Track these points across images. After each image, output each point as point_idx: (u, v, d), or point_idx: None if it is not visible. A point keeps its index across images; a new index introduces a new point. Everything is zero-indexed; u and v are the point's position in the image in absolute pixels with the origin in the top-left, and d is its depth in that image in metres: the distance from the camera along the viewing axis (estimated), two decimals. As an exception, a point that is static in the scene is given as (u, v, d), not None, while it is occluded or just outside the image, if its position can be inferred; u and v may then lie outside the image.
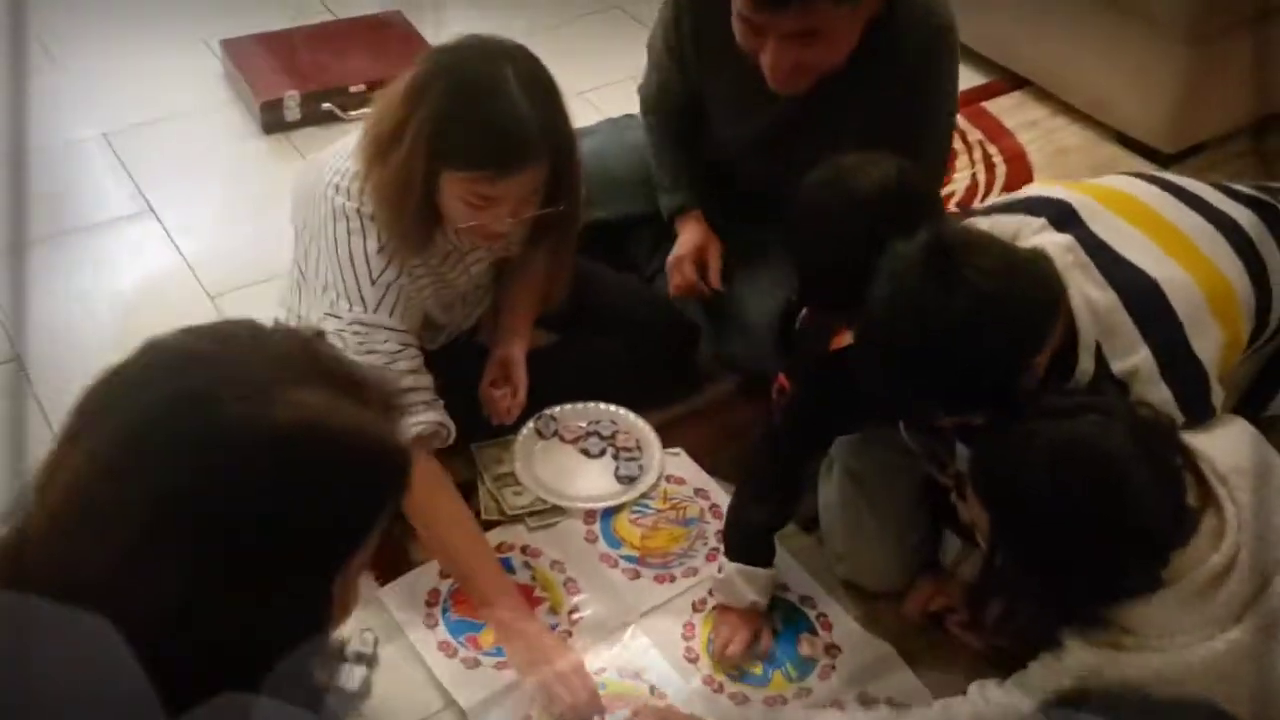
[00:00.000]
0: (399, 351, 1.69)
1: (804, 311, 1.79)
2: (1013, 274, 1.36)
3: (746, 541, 1.73)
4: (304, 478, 0.86)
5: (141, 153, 2.64)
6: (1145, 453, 1.31)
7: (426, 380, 1.73)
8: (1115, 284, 1.44)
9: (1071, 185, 1.60)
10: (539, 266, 1.97)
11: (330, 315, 1.69)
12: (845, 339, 1.70)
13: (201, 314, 2.23)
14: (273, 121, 2.71)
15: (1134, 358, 1.43)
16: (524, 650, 1.66)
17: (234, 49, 2.88)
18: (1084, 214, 1.51)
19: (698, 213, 2.09)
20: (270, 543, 0.85)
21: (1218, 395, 1.46)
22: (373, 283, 1.67)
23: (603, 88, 2.78)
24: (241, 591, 0.83)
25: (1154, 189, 1.60)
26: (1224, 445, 1.40)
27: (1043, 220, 1.51)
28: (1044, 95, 2.96)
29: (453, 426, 1.74)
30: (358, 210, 1.66)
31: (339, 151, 1.71)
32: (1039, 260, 1.41)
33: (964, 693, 1.49)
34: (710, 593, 1.79)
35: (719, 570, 1.73)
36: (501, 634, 1.69)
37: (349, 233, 1.66)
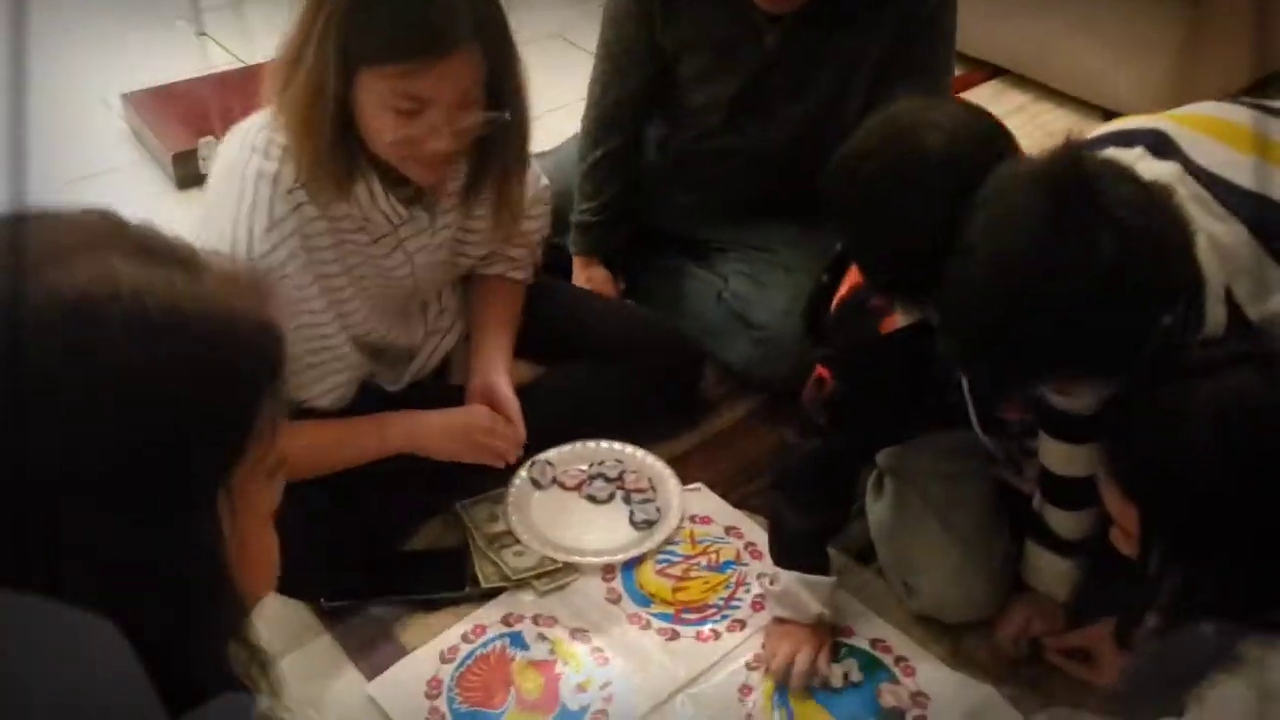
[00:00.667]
0: None
1: (839, 294, 1.51)
2: (1155, 206, 1.10)
3: (798, 548, 1.49)
4: (122, 355, 0.64)
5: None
6: None
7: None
8: (1241, 215, 1.20)
9: (1155, 115, 1.37)
10: (509, 284, 1.72)
11: None
12: (897, 320, 1.43)
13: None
14: (188, 175, 2.42)
15: (1278, 297, 1.19)
16: (447, 438, 1.56)
17: (137, 103, 2.59)
18: (1182, 141, 1.28)
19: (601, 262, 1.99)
20: (93, 440, 0.64)
21: None
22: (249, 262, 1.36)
23: (555, 111, 2.57)
24: (83, 503, 0.64)
25: (1241, 110, 1.37)
26: None
27: (1139, 149, 1.26)
28: (1022, 81, 2.78)
29: None
30: (258, 173, 1.37)
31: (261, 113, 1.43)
32: (1165, 191, 1.15)
33: None
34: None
35: (772, 582, 1.51)
36: (416, 442, 1.55)
37: (240, 198, 1.37)
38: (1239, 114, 1.36)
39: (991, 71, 2.83)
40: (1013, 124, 2.63)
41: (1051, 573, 1.51)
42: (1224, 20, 2.49)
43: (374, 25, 1.27)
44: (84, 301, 0.63)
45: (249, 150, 1.38)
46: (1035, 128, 2.65)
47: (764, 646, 1.51)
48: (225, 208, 1.38)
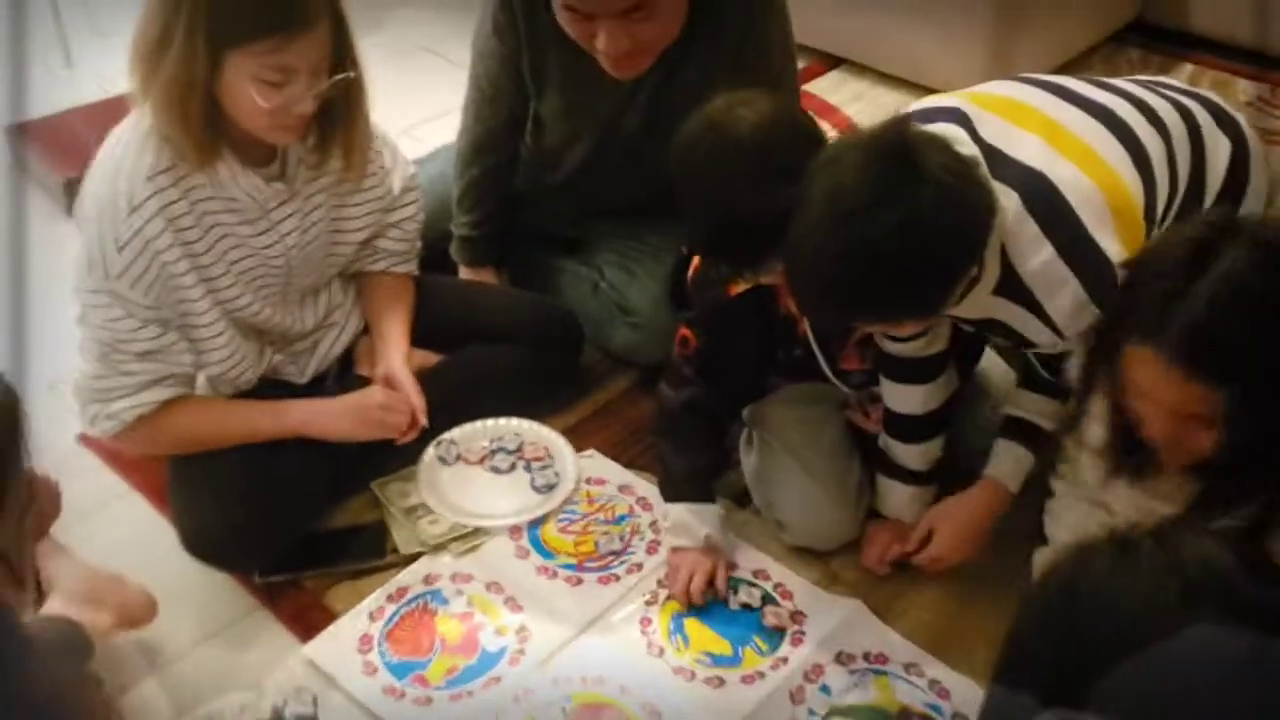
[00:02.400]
0: (137, 330, 1.56)
1: (694, 265, 1.71)
2: (967, 173, 1.31)
3: (683, 484, 1.70)
4: None
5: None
6: None
7: (154, 365, 1.59)
8: (1013, 184, 1.40)
9: (957, 93, 1.58)
10: (395, 278, 1.89)
11: (78, 288, 1.56)
12: (740, 285, 1.63)
13: (42, 407, 2.01)
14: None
15: (1039, 258, 1.40)
16: (342, 418, 1.70)
17: (20, 135, 2.67)
18: (975, 121, 1.48)
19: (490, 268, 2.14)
20: None
21: None
22: (120, 249, 1.52)
23: (425, 123, 2.72)
24: None
25: (1035, 90, 1.57)
26: None
27: (946, 124, 1.48)
28: (861, 69, 3.03)
29: (185, 391, 1.65)
30: (118, 165, 1.52)
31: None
32: (975, 160, 1.36)
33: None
34: (658, 577, 1.70)
35: (664, 517, 1.72)
36: (312, 423, 1.70)
37: (104, 197, 1.52)
38: (1027, 93, 1.57)
39: (833, 62, 3.07)
40: (854, 109, 2.93)
41: (898, 499, 1.73)
42: (1032, 12, 2.78)
43: (241, 10, 1.43)
44: None
45: (115, 145, 1.55)
46: (876, 110, 2.89)
47: (665, 575, 1.70)
48: (95, 196, 1.53)
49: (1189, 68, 2.99)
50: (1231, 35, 2.99)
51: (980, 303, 1.44)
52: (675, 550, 1.70)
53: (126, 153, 1.53)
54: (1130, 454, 1.34)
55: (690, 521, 1.68)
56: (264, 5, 1.44)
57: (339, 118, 1.61)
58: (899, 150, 1.27)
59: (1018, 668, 0.87)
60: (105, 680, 1.51)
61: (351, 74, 1.55)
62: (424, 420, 1.76)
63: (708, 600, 1.68)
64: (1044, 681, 0.83)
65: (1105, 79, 1.65)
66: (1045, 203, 1.41)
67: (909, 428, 1.69)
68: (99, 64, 3.13)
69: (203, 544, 1.64)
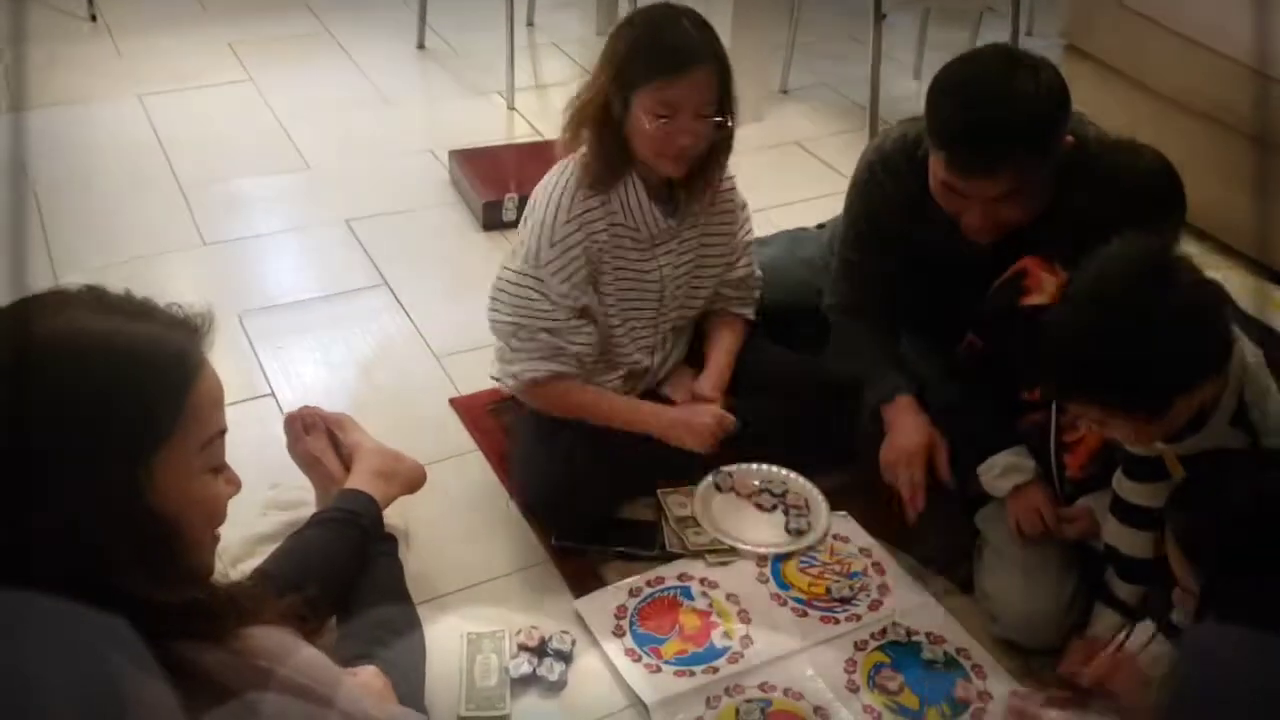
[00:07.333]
0: (540, 301, 2.03)
1: (1005, 276, 1.96)
2: (1219, 298, 1.54)
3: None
4: (59, 374, 0.97)
5: (378, 238, 3.04)
6: None
7: (554, 340, 2.04)
8: (1258, 345, 1.61)
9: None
10: (734, 318, 2.29)
11: (506, 270, 2.08)
12: (1033, 299, 1.88)
13: (428, 371, 2.56)
14: (491, 220, 3.08)
15: (1273, 401, 1.59)
16: (685, 430, 2.13)
17: (460, 158, 3.29)
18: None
19: (911, 400, 2.09)
20: (45, 437, 0.95)
21: None
22: (551, 244, 2.01)
23: (780, 207, 3.11)
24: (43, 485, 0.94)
25: None
26: None
27: None
28: (1200, 235, 3.13)
29: (571, 370, 2.07)
30: (557, 184, 2.04)
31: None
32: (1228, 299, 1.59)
33: None
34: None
35: (988, 470, 1.99)
36: (664, 430, 2.14)
37: (547, 204, 2.04)
38: None
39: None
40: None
41: (1105, 625, 1.90)
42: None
43: (641, 61, 1.94)
44: (51, 338, 0.98)
45: (557, 173, 2.08)
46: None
47: (1012, 517, 1.97)
48: (540, 205, 2.07)
49: None
50: None
51: (1219, 432, 1.62)
52: (1017, 488, 1.96)
53: (567, 178, 2.06)
54: None
55: (1020, 462, 1.96)
56: (655, 56, 1.94)
57: (714, 155, 2.08)
58: (1164, 254, 1.53)
59: None
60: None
61: (730, 122, 2.02)
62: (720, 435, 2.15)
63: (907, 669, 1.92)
64: None
65: None
66: None
67: (1127, 566, 1.86)
68: (533, 111, 3.76)
69: (529, 500, 2.13)
